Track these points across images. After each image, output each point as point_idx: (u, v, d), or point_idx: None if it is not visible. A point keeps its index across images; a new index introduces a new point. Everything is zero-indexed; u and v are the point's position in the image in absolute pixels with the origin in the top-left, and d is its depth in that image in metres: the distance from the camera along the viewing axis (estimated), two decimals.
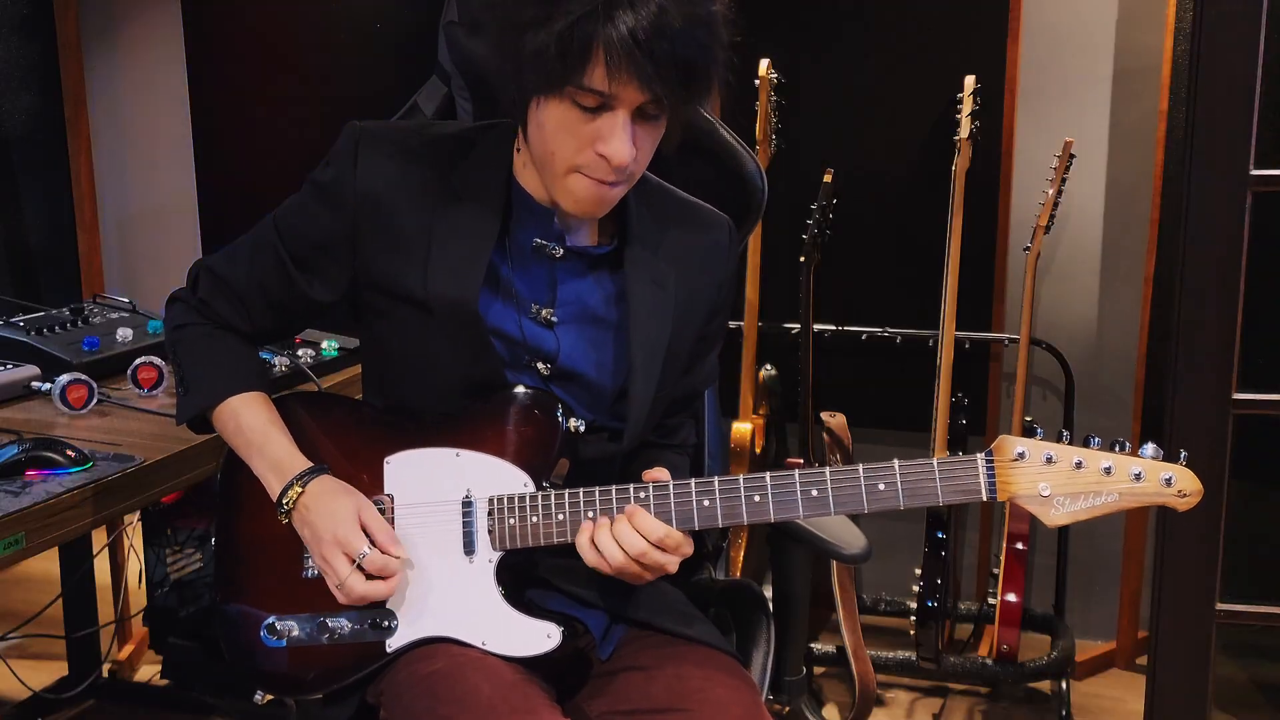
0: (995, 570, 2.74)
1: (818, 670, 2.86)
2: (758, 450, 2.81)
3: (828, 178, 2.73)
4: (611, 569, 1.39)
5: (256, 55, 3.17)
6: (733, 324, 2.82)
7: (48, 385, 1.95)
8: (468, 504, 1.46)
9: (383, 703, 1.46)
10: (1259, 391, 2.10)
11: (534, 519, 1.43)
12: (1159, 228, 2.78)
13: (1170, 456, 1.32)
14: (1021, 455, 1.32)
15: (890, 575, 2.97)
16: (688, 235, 1.57)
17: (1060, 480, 1.31)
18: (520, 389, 1.48)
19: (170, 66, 3.25)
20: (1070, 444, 1.32)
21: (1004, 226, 2.87)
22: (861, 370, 2.99)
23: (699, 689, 1.44)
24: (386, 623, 1.46)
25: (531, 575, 1.51)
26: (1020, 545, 2.70)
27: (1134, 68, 2.77)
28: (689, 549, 1.41)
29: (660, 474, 1.42)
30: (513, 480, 1.45)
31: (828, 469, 1.36)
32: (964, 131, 2.65)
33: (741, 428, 2.79)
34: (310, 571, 1.51)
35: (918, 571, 2.69)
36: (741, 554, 2.76)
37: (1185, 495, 1.31)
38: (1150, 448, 1.31)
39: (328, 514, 1.44)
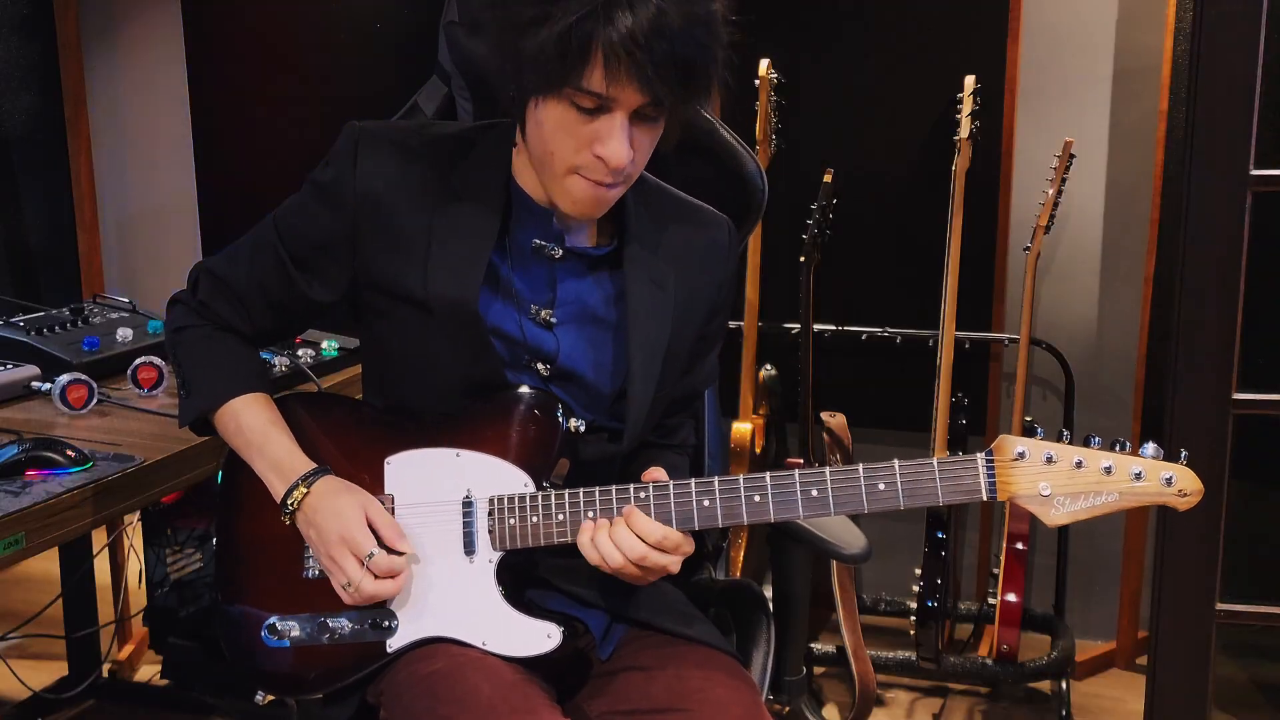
0: (995, 570, 2.74)
1: (818, 670, 2.86)
2: (758, 450, 2.81)
3: (828, 178, 2.73)
4: (611, 570, 1.39)
5: (256, 55, 3.17)
6: (733, 324, 2.82)
7: (48, 385, 1.95)
8: (468, 504, 1.46)
9: (383, 703, 1.46)
10: (1259, 391, 2.10)
11: (534, 519, 1.43)
12: (1159, 228, 2.78)
13: (1171, 456, 1.31)
14: (1022, 455, 1.32)
15: (890, 575, 2.97)
16: (687, 235, 1.57)
17: (1060, 480, 1.31)
18: (520, 389, 1.48)
19: (170, 66, 3.25)
20: (1070, 444, 1.32)
21: (1004, 226, 2.87)
22: (861, 370, 2.99)
23: (699, 689, 1.44)
24: (387, 623, 1.46)
25: (532, 575, 1.51)
26: (1020, 545, 2.70)
27: (1134, 68, 2.77)
28: (690, 548, 1.41)
29: (658, 474, 1.42)
30: (513, 480, 1.45)
31: (828, 469, 1.36)
32: (964, 131, 2.65)
33: (741, 428, 2.79)
34: (311, 571, 1.51)
35: (918, 571, 2.69)
36: (741, 554, 2.76)
37: (1186, 495, 1.31)
38: (1150, 447, 1.31)
39: (333, 514, 1.44)
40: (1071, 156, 2.63)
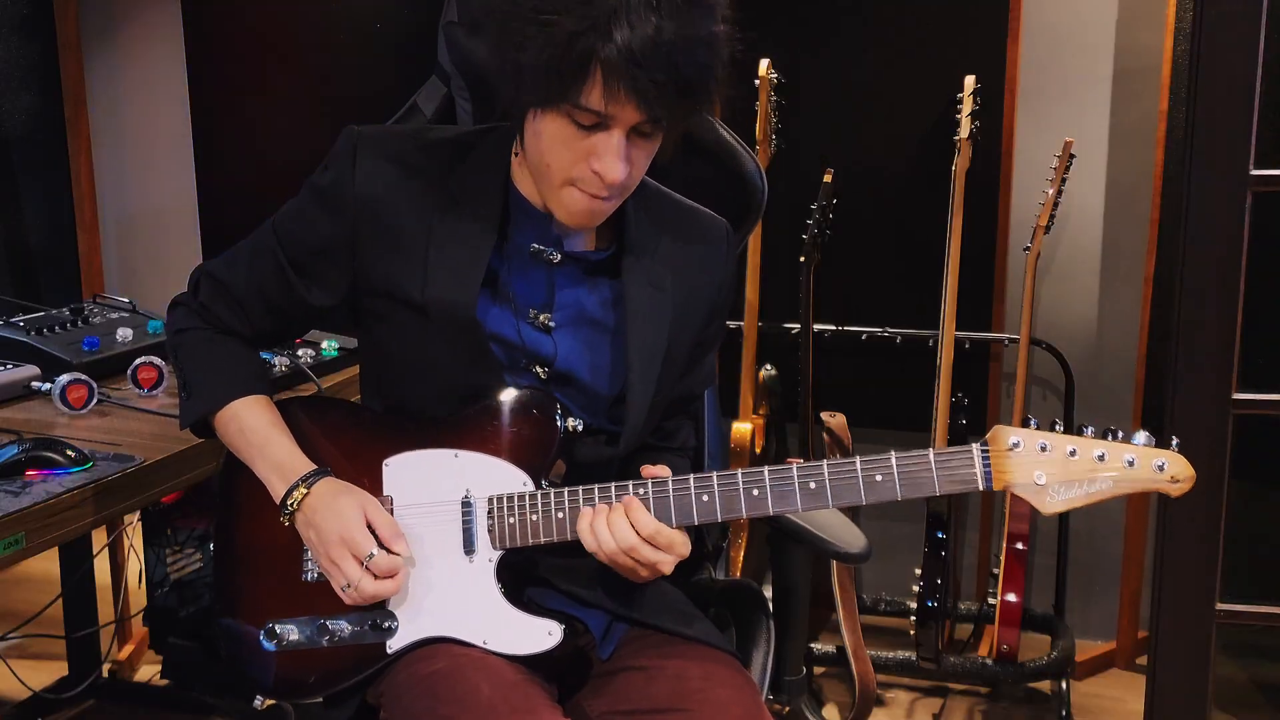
0: (995, 570, 2.74)
1: (818, 670, 2.86)
2: (758, 450, 2.81)
3: (828, 177, 2.73)
4: (604, 557, 1.39)
5: (256, 55, 3.17)
6: (733, 324, 2.82)
7: (48, 385, 1.95)
8: (467, 503, 1.46)
9: (383, 704, 1.46)
10: (1259, 391, 2.10)
11: (533, 518, 1.43)
12: (1159, 228, 2.78)
13: (1163, 444, 1.32)
14: (1016, 445, 1.33)
15: (890, 575, 2.97)
16: (685, 239, 1.57)
17: (1055, 468, 1.32)
18: (518, 390, 1.48)
19: (170, 66, 3.25)
20: (1064, 433, 1.33)
21: (1004, 226, 2.87)
22: (861, 370, 2.99)
23: (699, 689, 1.44)
24: (387, 624, 1.46)
25: (531, 575, 1.51)
26: (1020, 545, 2.70)
27: (1134, 68, 2.77)
28: (684, 549, 1.40)
29: (660, 470, 1.42)
30: (512, 480, 1.45)
31: (825, 462, 1.36)
32: (964, 131, 2.65)
33: (741, 428, 2.79)
34: (310, 574, 1.51)
35: (918, 571, 2.69)
36: (741, 554, 2.76)
37: (1178, 481, 1.32)
38: (1142, 435, 1.32)
39: (333, 515, 1.44)
40: (1071, 156, 2.63)
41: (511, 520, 1.44)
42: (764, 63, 2.73)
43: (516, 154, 1.49)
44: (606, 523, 1.38)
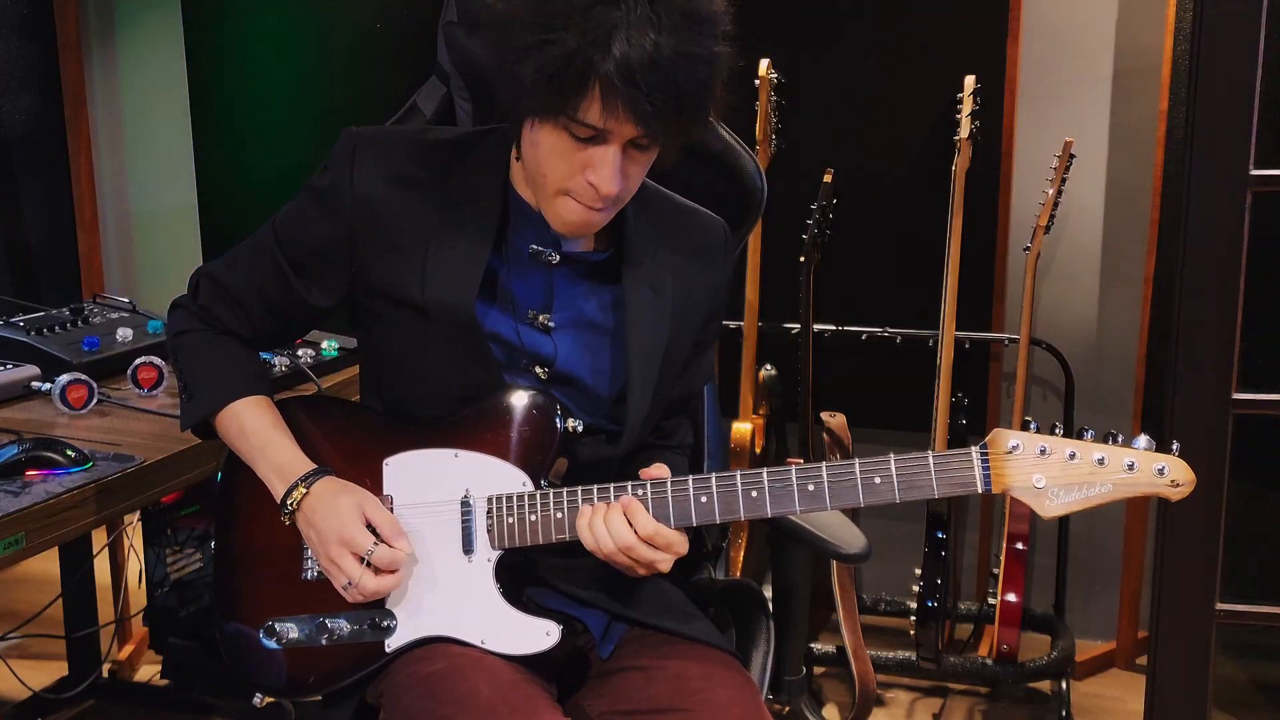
0: (995, 570, 2.74)
1: (818, 670, 2.86)
2: (758, 450, 2.81)
3: (828, 178, 2.73)
4: (601, 555, 1.39)
5: (256, 55, 3.17)
6: (733, 324, 2.82)
7: (48, 385, 1.95)
8: (466, 503, 1.46)
9: (383, 704, 1.46)
10: (1259, 391, 2.10)
11: (533, 517, 1.43)
12: (1159, 228, 2.78)
13: (1163, 448, 1.32)
14: (1016, 448, 1.33)
15: (890, 575, 2.97)
16: (684, 240, 1.57)
17: (1054, 472, 1.32)
18: (518, 390, 1.48)
19: (170, 66, 3.25)
20: (1064, 436, 1.33)
21: (1004, 226, 2.87)
22: (861, 370, 2.99)
23: (699, 689, 1.44)
24: (385, 623, 1.46)
25: (530, 575, 1.52)
26: (1020, 545, 2.70)
27: (1134, 68, 2.77)
28: (682, 549, 1.41)
29: (660, 470, 1.42)
30: (511, 480, 1.45)
31: (824, 464, 1.36)
32: (964, 131, 2.65)
33: (741, 428, 2.79)
34: (309, 573, 1.51)
35: (918, 571, 2.69)
36: (741, 554, 2.76)
37: (1178, 485, 1.31)
38: (1143, 439, 1.32)
39: (332, 514, 1.44)
40: (1071, 156, 2.63)
41: (510, 520, 1.44)
42: (764, 63, 2.73)
43: (516, 157, 1.49)
44: (605, 522, 1.38)
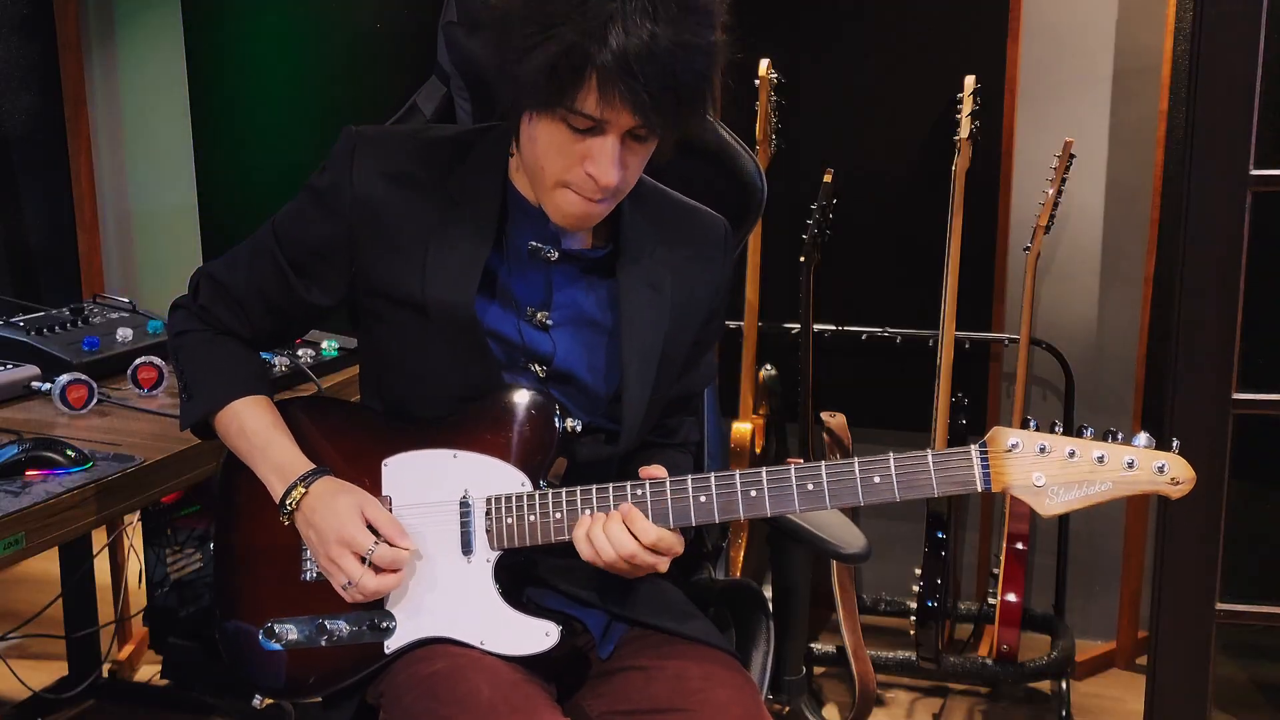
0: (995, 570, 2.74)
1: (818, 670, 2.86)
2: (758, 450, 2.81)
3: (828, 178, 2.73)
4: (603, 564, 1.40)
5: (256, 55, 3.17)
6: (733, 324, 2.82)
7: (48, 385, 1.95)
8: (465, 504, 1.46)
9: (383, 704, 1.46)
10: (1259, 391, 2.10)
11: (531, 518, 1.43)
12: (1159, 228, 2.78)
13: (1163, 445, 1.32)
14: (1015, 446, 1.33)
15: (890, 575, 2.97)
16: (684, 238, 1.57)
17: (1054, 470, 1.32)
18: (517, 390, 1.48)
19: (170, 66, 3.25)
20: (1063, 434, 1.33)
21: (1004, 226, 2.87)
22: (861, 370, 2.99)
23: (699, 689, 1.44)
24: (385, 623, 1.46)
25: (530, 575, 1.51)
26: (1020, 545, 2.70)
27: (1134, 68, 2.77)
28: (680, 549, 1.41)
29: (656, 471, 1.42)
30: (510, 480, 1.45)
31: (823, 463, 1.36)
32: (964, 131, 2.65)
33: (741, 428, 2.79)
34: (309, 574, 1.51)
35: (918, 571, 2.69)
36: (741, 554, 2.76)
37: (1178, 483, 1.31)
38: (1143, 437, 1.32)
39: (331, 514, 1.44)
40: (1071, 156, 2.63)
41: (509, 521, 1.44)
42: (764, 63, 2.73)
43: (514, 153, 1.49)
44: (605, 531, 1.38)
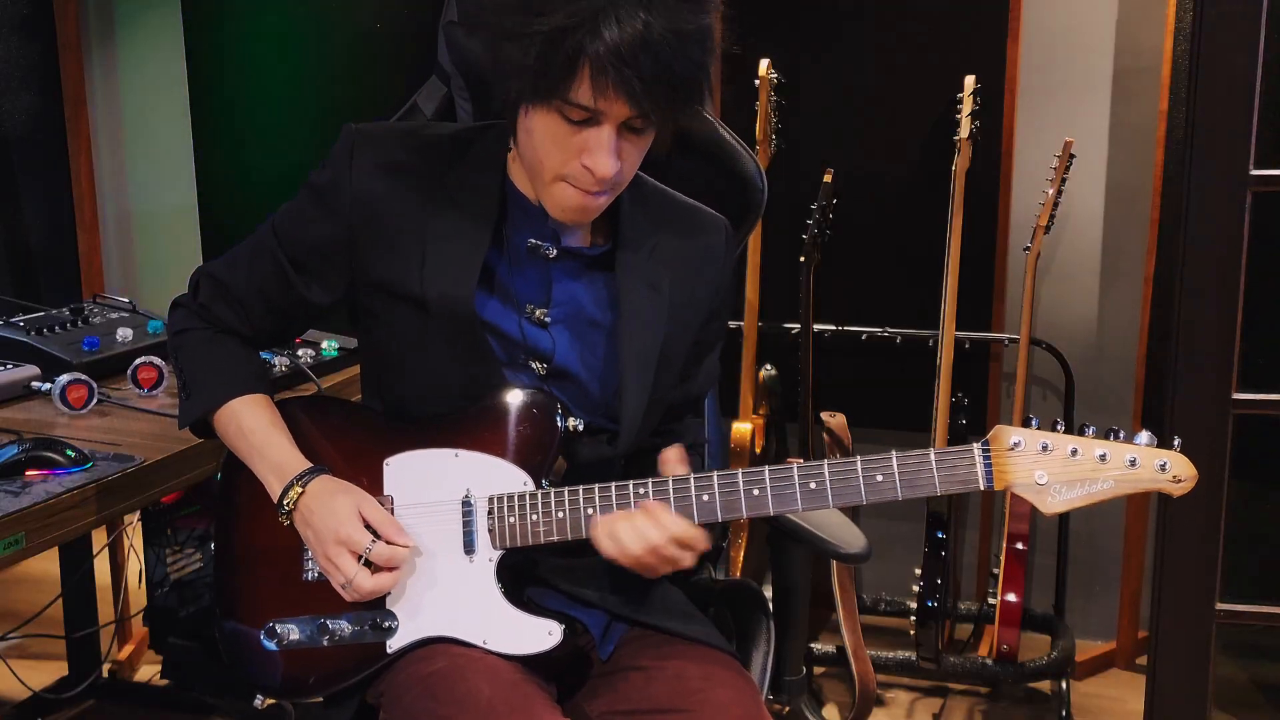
0: (995, 570, 2.74)
1: (818, 670, 2.86)
2: (758, 450, 2.81)
3: (828, 178, 2.73)
4: (627, 561, 1.38)
5: (256, 55, 3.17)
6: (733, 324, 2.82)
7: (48, 385, 1.95)
8: (467, 503, 1.46)
9: (383, 704, 1.46)
10: (1259, 391, 2.10)
11: (533, 517, 1.43)
12: (1159, 228, 2.78)
13: (1165, 443, 1.32)
14: (1017, 444, 1.33)
15: (890, 575, 2.97)
16: (683, 238, 1.57)
17: (1056, 468, 1.32)
18: (518, 389, 1.48)
19: (170, 66, 3.25)
20: (1065, 433, 1.33)
21: (1004, 226, 2.87)
22: (861, 370, 2.99)
23: (699, 689, 1.44)
24: (387, 623, 1.46)
25: (531, 575, 1.51)
26: (1020, 545, 2.70)
27: (1134, 68, 2.77)
28: (705, 544, 1.40)
29: (676, 468, 1.41)
30: (512, 479, 1.45)
31: (825, 462, 1.36)
32: (964, 131, 2.65)
33: (741, 428, 2.79)
34: (310, 574, 1.51)
35: (918, 571, 2.69)
36: (741, 554, 2.76)
37: (1180, 481, 1.31)
38: (1145, 435, 1.32)
39: (329, 513, 1.44)
40: (1071, 156, 2.63)
41: (511, 520, 1.44)
42: (764, 63, 2.73)
43: (513, 150, 1.49)
44: (631, 526, 1.37)
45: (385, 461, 1.50)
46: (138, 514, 2.63)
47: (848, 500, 1.36)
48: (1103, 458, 1.31)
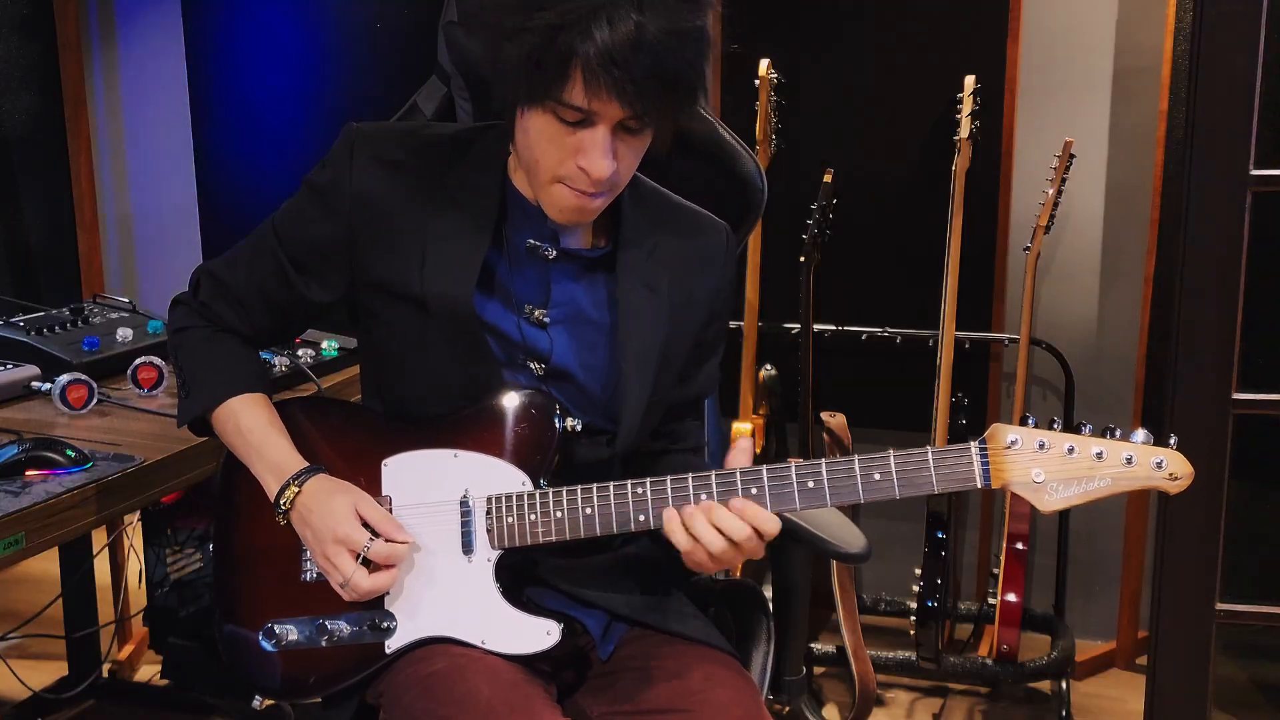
0: (995, 570, 2.74)
1: (818, 670, 2.86)
2: (758, 450, 2.81)
3: (828, 178, 2.73)
4: (703, 554, 1.36)
5: (256, 55, 3.17)
6: (733, 324, 2.82)
7: (48, 385, 1.95)
8: (465, 504, 1.46)
9: (382, 704, 1.46)
10: (1259, 391, 2.10)
11: (532, 517, 1.43)
12: (1159, 228, 2.78)
13: (1161, 442, 1.32)
14: (1014, 443, 1.33)
15: (890, 575, 2.97)
16: (683, 238, 1.57)
17: (1053, 466, 1.32)
18: (517, 389, 1.48)
19: (170, 66, 3.25)
20: (1062, 431, 1.33)
21: (1004, 226, 2.87)
22: (861, 370, 2.99)
23: (699, 689, 1.44)
24: (385, 624, 1.46)
25: (530, 575, 1.51)
26: (1020, 545, 2.70)
27: (1134, 68, 2.77)
28: (775, 527, 1.37)
29: (741, 458, 1.39)
30: (511, 479, 1.45)
31: (823, 460, 1.36)
32: (964, 131, 2.65)
33: (741, 428, 2.79)
34: (309, 574, 1.51)
35: (918, 571, 2.69)
36: None
37: (1176, 479, 1.32)
38: (1141, 433, 1.33)
39: (326, 512, 1.44)
40: (1071, 156, 2.63)
41: (510, 520, 1.44)
42: (764, 63, 2.73)
43: (512, 151, 1.49)
44: (713, 521, 1.35)
45: (384, 462, 1.50)
46: (138, 514, 2.63)
47: (845, 499, 1.36)
48: (1099, 456, 1.32)
